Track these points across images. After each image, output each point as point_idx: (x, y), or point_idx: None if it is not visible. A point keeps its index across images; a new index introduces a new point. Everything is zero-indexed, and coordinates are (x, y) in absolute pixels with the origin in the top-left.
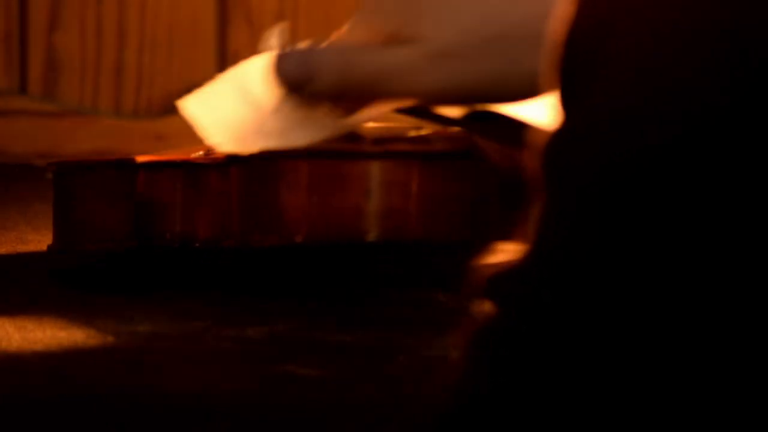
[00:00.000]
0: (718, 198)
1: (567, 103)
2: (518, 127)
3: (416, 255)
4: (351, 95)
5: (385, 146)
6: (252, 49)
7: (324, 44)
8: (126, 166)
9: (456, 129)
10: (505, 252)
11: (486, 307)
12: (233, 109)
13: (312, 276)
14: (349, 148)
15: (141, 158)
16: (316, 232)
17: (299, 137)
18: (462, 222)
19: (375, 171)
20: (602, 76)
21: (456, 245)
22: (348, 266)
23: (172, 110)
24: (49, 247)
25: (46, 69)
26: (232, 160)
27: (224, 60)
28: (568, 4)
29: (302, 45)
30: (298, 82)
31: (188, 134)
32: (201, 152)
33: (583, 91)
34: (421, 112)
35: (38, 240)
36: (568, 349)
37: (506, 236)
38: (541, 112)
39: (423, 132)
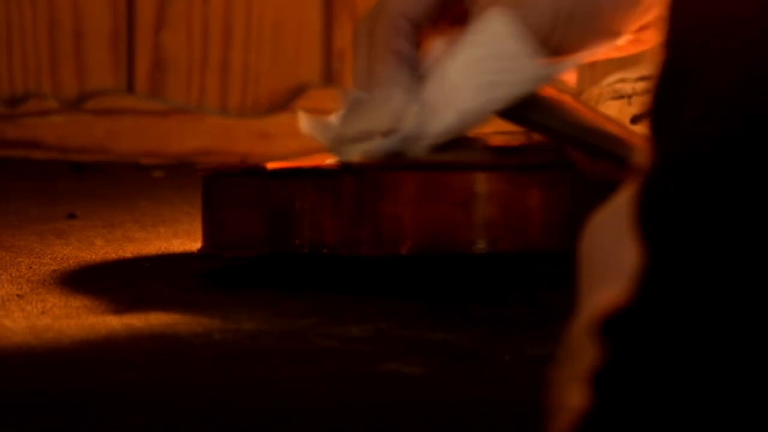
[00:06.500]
0: None
1: (659, 131)
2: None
3: (521, 263)
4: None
5: (492, 159)
6: None
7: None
8: (259, 173)
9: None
10: (617, 289)
11: (602, 347)
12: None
13: (418, 278)
14: (453, 162)
15: (271, 165)
16: (421, 244)
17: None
18: (561, 231)
19: (480, 183)
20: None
21: (556, 254)
22: (453, 271)
23: (277, 108)
24: (198, 250)
25: (152, 68)
26: (345, 169)
27: (330, 58)
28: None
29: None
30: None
31: (292, 133)
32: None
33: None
34: (524, 119)
35: (144, 238)
36: (688, 390)
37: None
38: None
39: (526, 142)
